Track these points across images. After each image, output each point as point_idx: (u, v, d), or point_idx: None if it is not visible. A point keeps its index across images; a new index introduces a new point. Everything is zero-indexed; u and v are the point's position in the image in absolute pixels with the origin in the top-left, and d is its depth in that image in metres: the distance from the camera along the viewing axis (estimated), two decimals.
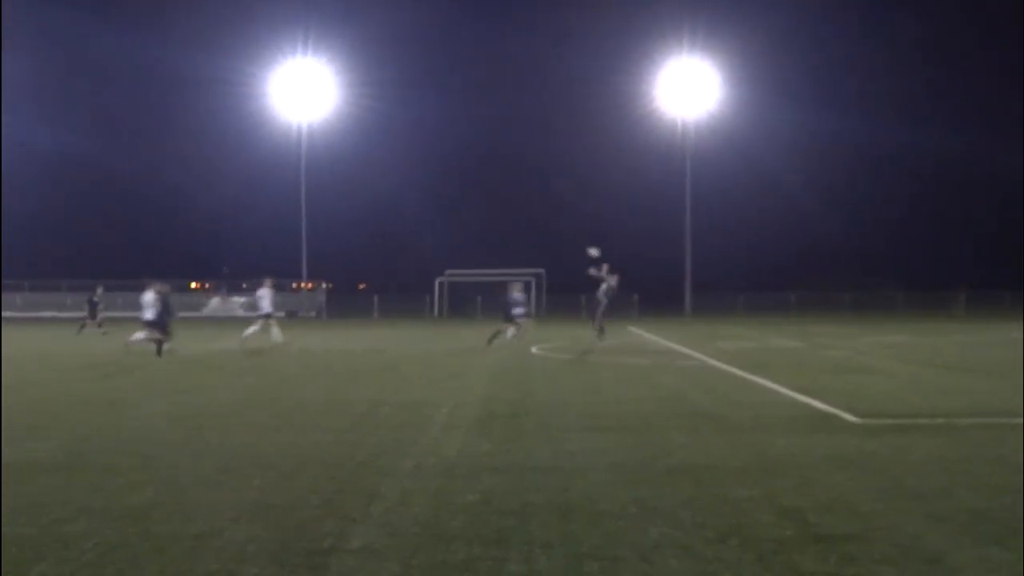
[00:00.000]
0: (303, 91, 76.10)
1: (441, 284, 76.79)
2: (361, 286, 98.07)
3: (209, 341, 37.85)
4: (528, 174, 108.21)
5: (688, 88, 71.47)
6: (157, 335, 29.63)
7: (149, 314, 29.74)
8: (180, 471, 10.88)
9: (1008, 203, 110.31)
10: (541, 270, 77.18)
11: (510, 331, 32.17)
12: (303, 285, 78.83)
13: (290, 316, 70.39)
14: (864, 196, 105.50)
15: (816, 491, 9.61)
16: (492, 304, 72.20)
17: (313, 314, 73.26)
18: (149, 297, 29.83)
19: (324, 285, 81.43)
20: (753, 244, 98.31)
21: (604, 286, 30.78)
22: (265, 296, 33.10)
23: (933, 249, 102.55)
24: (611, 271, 30.44)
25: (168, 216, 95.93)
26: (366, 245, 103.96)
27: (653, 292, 77.01)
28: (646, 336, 40.98)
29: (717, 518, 8.54)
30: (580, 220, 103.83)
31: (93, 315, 46.78)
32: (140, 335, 30.10)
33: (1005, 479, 10.12)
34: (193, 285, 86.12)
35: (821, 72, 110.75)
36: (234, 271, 79.65)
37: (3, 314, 70.72)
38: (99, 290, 48.11)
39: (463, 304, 75.08)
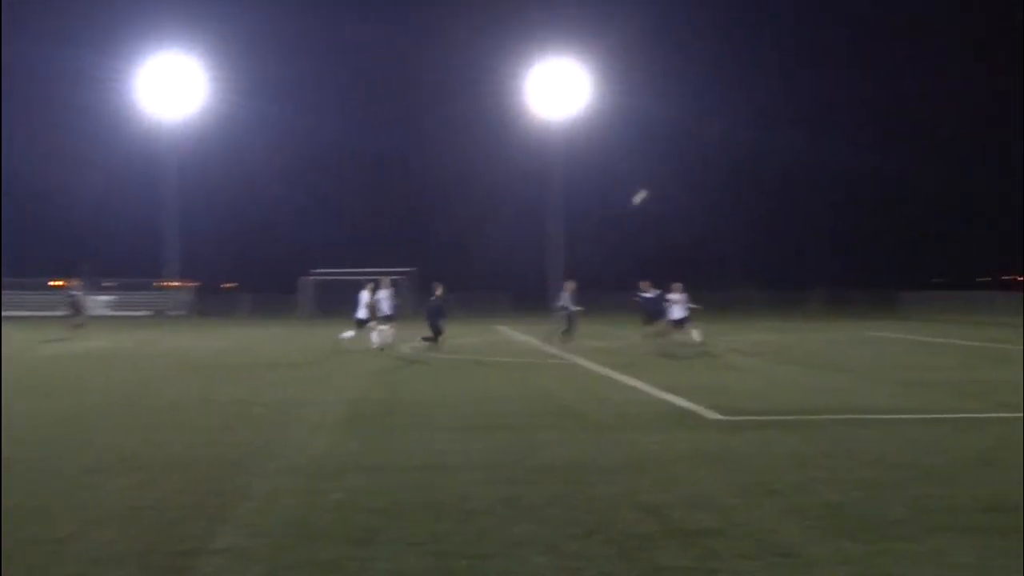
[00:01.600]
0: (172, 87, 74.76)
1: (308, 284, 76.03)
2: (230, 285, 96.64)
3: (77, 340, 36.93)
4: (400, 174, 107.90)
5: (558, 89, 71.91)
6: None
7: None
8: (44, 473, 10.61)
9: (860, 204, 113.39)
10: (412, 269, 76.91)
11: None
12: (171, 284, 77.43)
13: (157, 315, 69.04)
14: (722, 196, 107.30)
15: (678, 487, 9.76)
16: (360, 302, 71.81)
17: (182, 313, 71.99)
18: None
19: (192, 284, 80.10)
20: (622, 244, 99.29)
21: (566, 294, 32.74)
22: (385, 298, 32.10)
23: (789, 250, 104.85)
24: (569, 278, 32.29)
25: (31, 213, 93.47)
26: (236, 244, 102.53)
27: (523, 291, 77.34)
28: (516, 335, 41.16)
29: (583, 515, 8.62)
30: (452, 219, 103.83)
31: None
32: None
33: (858, 473, 10.39)
34: (55, 283, 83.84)
35: (684, 73, 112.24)
36: (96, 269, 77.81)
37: None
38: None
39: (332, 304, 74.48)
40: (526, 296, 75.78)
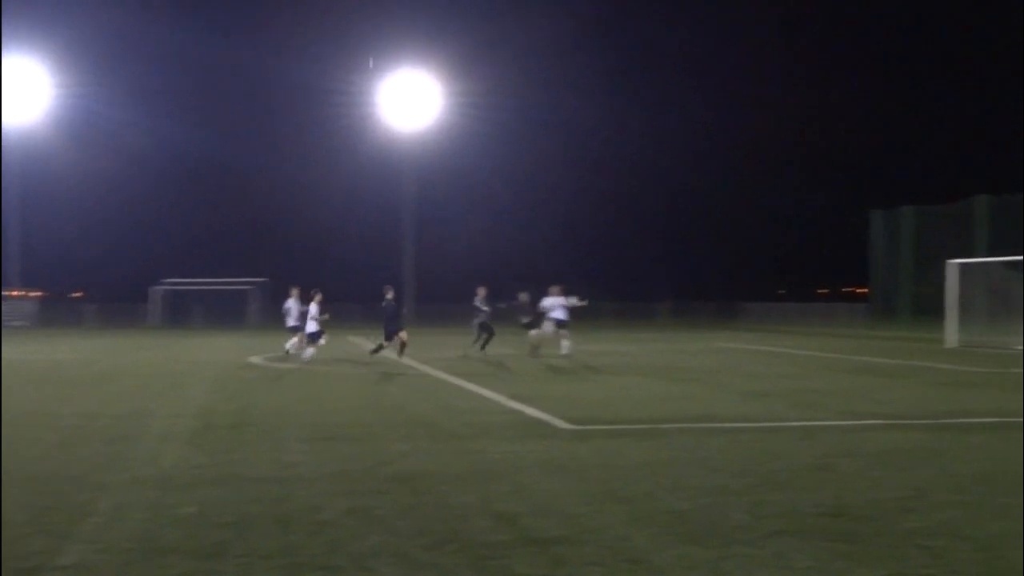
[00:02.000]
0: (10, 90, 72.47)
1: (158, 293, 74.50)
2: (77, 294, 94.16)
3: None
4: (252, 183, 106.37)
5: (409, 99, 71.73)
6: None
7: None
8: None
9: (706, 216, 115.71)
10: (264, 279, 75.90)
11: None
12: (12, 293, 75.05)
13: None
14: (567, 208, 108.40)
15: (529, 496, 9.83)
16: (213, 313, 70.63)
17: (25, 324, 69.84)
18: None
19: (35, 293, 77.86)
20: (473, 254, 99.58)
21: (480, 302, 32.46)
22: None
23: (636, 262, 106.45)
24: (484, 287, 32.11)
25: None
26: (83, 253, 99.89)
27: (376, 302, 76.91)
28: (368, 346, 40.94)
29: (434, 524, 8.62)
30: (305, 229, 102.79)
31: None
32: None
33: (704, 481, 10.60)
34: None
35: (535, 85, 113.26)
36: None
37: None
38: None
39: (182, 313, 73.07)
40: (379, 307, 75.40)
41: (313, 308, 30.20)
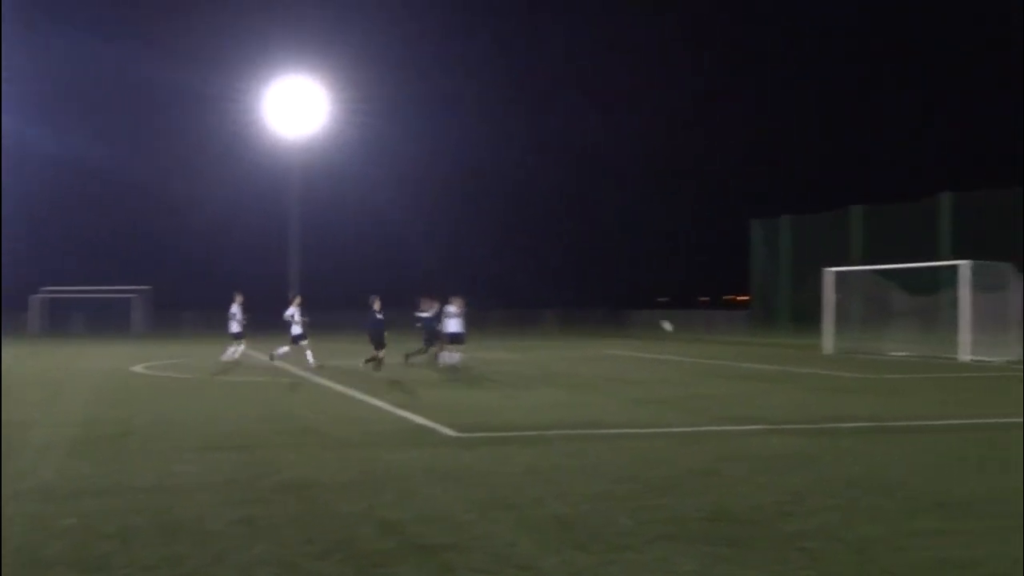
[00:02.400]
0: None
1: (38, 301, 72.79)
2: None
3: None
4: (133, 190, 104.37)
5: (295, 106, 71.01)
6: None
7: None
8: None
9: (593, 226, 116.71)
10: (146, 287, 74.63)
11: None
12: None
13: None
14: (457, 216, 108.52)
15: (416, 503, 9.82)
16: (95, 322, 69.16)
17: None
18: None
19: None
20: (358, 263, 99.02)
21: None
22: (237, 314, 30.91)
23: (524, 269, 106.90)
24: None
25: None
26: None
27: (260, 310, 76.08)
28: (254, 354, 40.48)
29: (322, 533, 8.57)
30: (189, 237, 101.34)
31: None
32: None
33: (589, 487, 10.69)
34: None
35: (423, 94, 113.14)
36: None
37: None
38: None
39: (64, 322, 71.53)
40: (265, 314, 74.66)
41: (235, 309, 30.56)
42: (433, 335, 30.77)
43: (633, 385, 24.50)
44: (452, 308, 30.24)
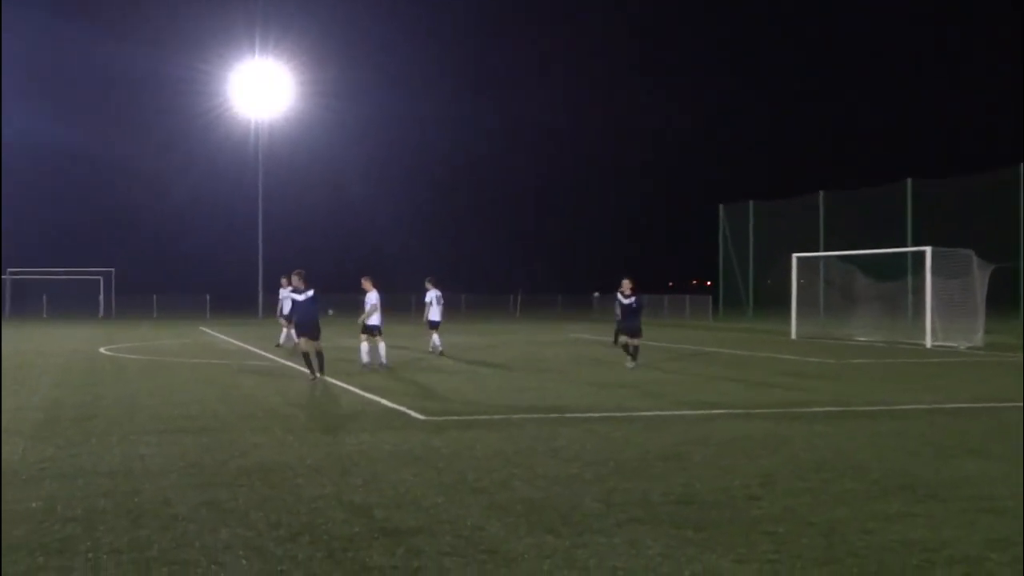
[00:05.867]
0: None
1: (2, 283, 72.17)
2: None
3: None
4: (98, 171, 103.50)
5: (260, 89, 70.56)
6: None
7: None
8: None
9: (560, 209, 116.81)
10: (111, 269, 74.10)
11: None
12: None
13: None
14: (423, 200, 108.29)
15: (384, 487, 9.78)
16: (61, 303, 68.66)
17: None
18: None
19: None
20: (324, 246, 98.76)
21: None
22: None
23: (491, 253, 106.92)
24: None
25: None
26: None
27: (227, 292, 75.87)
28: (219, 337, 40.32)
29: (289, 517, 8.51)
30: (154, 220, 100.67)
31: None
32: None
33: (557, 470, 10.67)
34: None
35: (387, 79, 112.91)
36: None
37: None
38: None
39: (28, 304, 70.96)
40: (229, 297, 74.38)
41: (285, 292, 28.86)
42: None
43: (600, 369, 24.51)
44: (431, 294, 29.26)
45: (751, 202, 64.48)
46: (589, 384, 20.66)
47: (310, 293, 21.46)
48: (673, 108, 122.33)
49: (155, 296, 74.04)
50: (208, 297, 73.83)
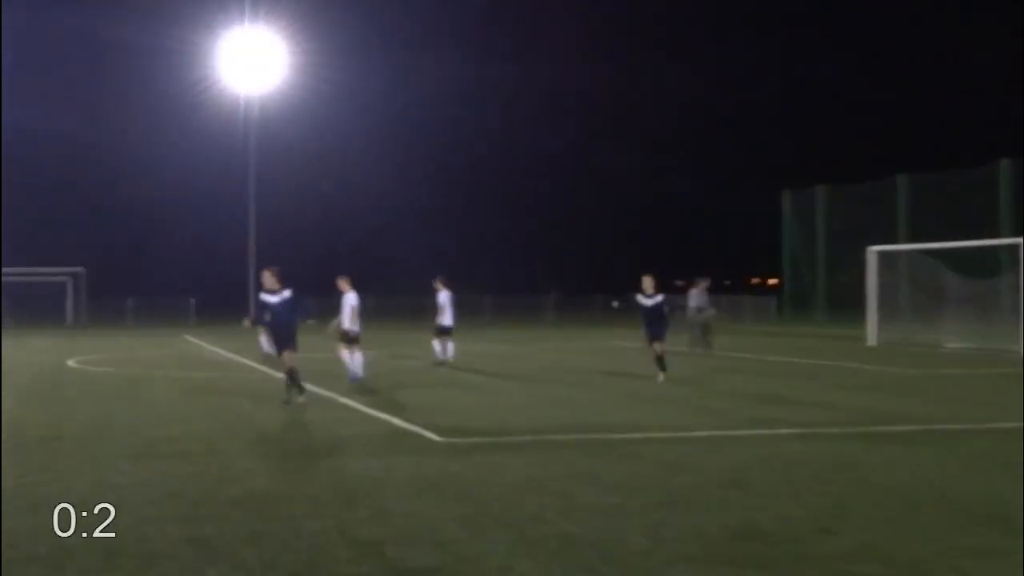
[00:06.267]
0: None
1: None
2: None
3: None
4: (62, 156, 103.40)
5: (251, 60, 70.53)
6: None
7: None
8: None
9: (599, 199, 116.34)
10: (80, 269, 74.28)
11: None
12: None
13: None
14: (438, 189, 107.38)
15: (395, 520, 9.78)
16: (21, 309, 68.91)
17: None
18: None
19: None
20: (326, 240, 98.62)
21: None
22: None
23: (520, 249, 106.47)
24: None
25: None
26: None
27: (214, 295, 75.97)
28: (205, 346, 40.45)
29: (286, 555, 8.53)
30: (129, 212, 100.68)
31: None
32: None
33: (597, 500, 10.66)
34: None
35: (394, 48, 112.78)
36: None
37: None
38: None
39: None
40: (215, 302, 74.48)
41: (443, 297, 28.40)
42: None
43: (644, 382, 24.44)
44: (441, 295, 29.16)
45: (820, 187, 64.24)
46: (633, 399, 20.62)
47: (285, 294, 20.21)
48: (728, 80, 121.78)
49: (131, 300, 74.15)
50: (192, 301, 73.86)
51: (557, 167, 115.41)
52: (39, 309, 70.12)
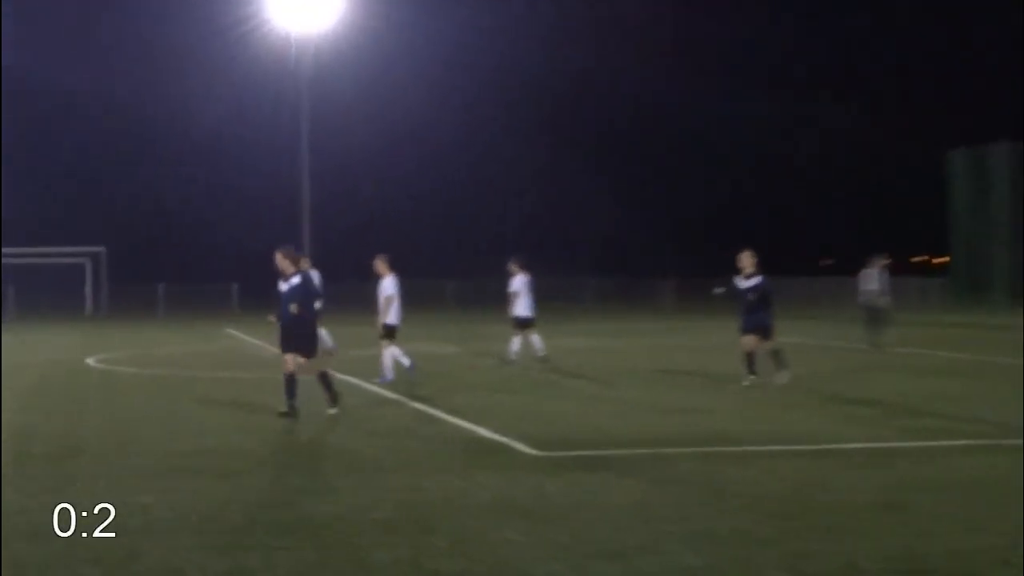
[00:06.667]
0: None
1: None
2: None
3: None
4: (91, 113, 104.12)
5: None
6: None
7: None
8: None
9: (726, 165, 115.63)
10: (100, 249, 75.07)
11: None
12: None
13: None
14: (528, 150, 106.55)
15: (479, 550, 9.79)
16: (33, 296, 69.91)
17: None
18: None
19: None
20: (391, 211, 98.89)
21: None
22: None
23: (634, 227, 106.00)
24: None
25: None
26: None
27: (261, 278, 76.35)
28: (249, 341, 40.76)
29: None
30: (159, 181, 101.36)
31: None
32: None
33: (725, 525, 10.60)
34: None
35: None
36: None
37: None
38: None
39: None
40: (262, 288, 74.88)
41: (518, 282, 28.25)
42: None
43: (783, 385, 24.27)
44: (516, 279, 28.83)
45: (1001, 144, 63.23)
46: (766, 404, 20.50)
47: (295, 280, 19.41)
48: (884, 14, 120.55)
49: (161, 286, 74.72)
50: (235, 287, 74.21)
51: (680, 127, 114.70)
52: (52, 297, 70.73)
